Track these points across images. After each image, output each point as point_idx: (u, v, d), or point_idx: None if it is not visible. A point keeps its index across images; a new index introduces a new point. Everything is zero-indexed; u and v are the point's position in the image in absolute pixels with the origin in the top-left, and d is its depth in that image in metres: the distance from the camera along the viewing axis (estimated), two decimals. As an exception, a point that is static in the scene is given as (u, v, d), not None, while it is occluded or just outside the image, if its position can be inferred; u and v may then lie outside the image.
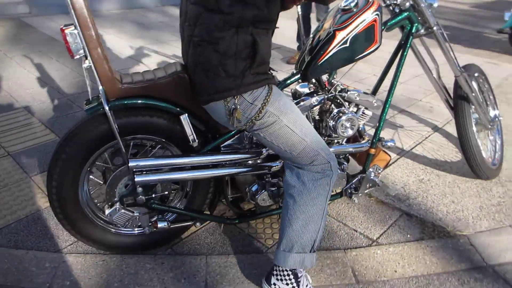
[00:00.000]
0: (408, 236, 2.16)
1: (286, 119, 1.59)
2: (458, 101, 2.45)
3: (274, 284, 1.71)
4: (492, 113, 2.65)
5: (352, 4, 1.85)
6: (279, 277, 1.70)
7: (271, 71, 1.70)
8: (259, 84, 1.54)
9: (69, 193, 1.71)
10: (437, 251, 2.04)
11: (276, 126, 1.58)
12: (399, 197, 2.45)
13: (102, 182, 1.93)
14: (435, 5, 2.11)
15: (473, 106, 2.47)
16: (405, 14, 2.01)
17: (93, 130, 1.63)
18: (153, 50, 5.01)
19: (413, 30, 2.05)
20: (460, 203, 2.42)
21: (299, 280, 1.70)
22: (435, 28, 2.10)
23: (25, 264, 1.85)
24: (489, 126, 2.60)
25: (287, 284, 1.69)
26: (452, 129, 2.71)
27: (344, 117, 1.90)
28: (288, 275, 1.69)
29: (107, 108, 1.55)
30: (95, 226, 1.84)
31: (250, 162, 1.85)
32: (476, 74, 2.58)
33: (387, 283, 1.85)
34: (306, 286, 1.72)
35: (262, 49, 1.51)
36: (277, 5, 1.52)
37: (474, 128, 2.46)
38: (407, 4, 2.00)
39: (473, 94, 2.42)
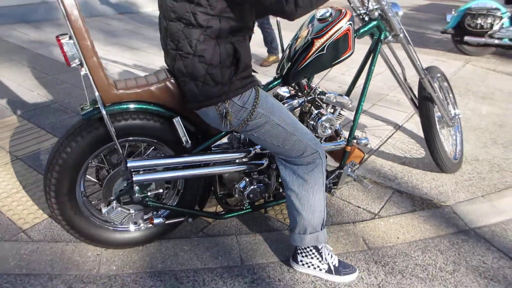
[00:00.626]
0: (403, 208, 2.53)
1: (276, 118, 1.75)
2: (422, 101, 2.66)
3: (301, 261, 1.97)
4: (452, 111, 2.88)
5: (327, 14, 2.03)
6: (304, 254, 1.97)
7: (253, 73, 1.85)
8: (246, 88, 1.70)
9: (67, 195, 1.82)
10: (428, 220, 2.43)
11: (268, 126, 1.75)
12: (388, 177, 2.82)
13: (96, 181, 2.03)
14: (400, 13, 2.31)
15: (436, 106, 2.67)
16: (374, 23, 2.20)
17: (91, 134, 1.74)
18: (130, 57, 5.10)
19: (382, 37, 2.23)
20: (439, 180, 2.82)
21: (320, 251, 1.96)
22: (401, 35, 2.29)
23: (68, 254, 2.02)
24: (451, 124, 2.82)
25: (312, 257, 1.96)
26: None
27: (323, 118, 2.06)
28: (311, 250, 1.95)
29: (104, 112, 1.67)
30: (93, 225, 1.94)
31: (238, 160, 1.99)
32: (438, 75, 2.79)
33: (393, 247, 2.22)
34: (328, 254, 1.98)
35: (243, 55, 1.66)
36: (252, 14, 1.68)
37: (438, 126, 2.68)
38: (376, 13, 2.19)
39: (436, 95, 2.63)
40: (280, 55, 4.84)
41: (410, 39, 2.42)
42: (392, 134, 3.42)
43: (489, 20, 5.36)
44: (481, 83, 4.74)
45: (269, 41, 4.96)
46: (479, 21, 5.40)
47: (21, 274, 1.90)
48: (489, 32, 5.36)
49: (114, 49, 5.38)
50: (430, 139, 2.68)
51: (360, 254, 2.14)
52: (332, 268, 1.96)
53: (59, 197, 1.80)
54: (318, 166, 1.85)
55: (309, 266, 1.96)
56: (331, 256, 1.98)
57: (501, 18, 5.34)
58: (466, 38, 5.48)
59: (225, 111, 1.68)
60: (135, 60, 5.01)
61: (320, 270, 1.96)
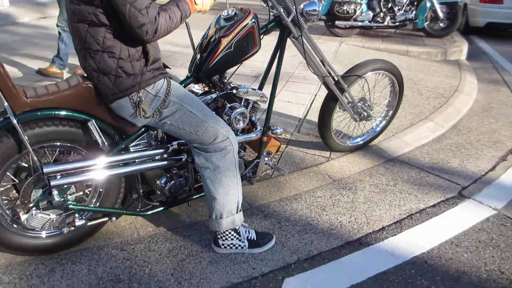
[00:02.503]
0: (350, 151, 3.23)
1: (188, 105, 1.90)
2: (327, 95, 2.88)
3: (223, 244, 2.11)
4: (363, 111, 3.00)
5: (232, 14, 2.18)
6: (224, 238, 2.11)
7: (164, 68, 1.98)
8: (157, 78, 1.84)
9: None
10: (365, 156, 3.21)
11: (181, 112, 1.89)
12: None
13: (12, 190, 2.02)
14: (318, 8, 2.41)
15: (338, 102, 2.85)
16: (273, 23, 2.37)
17: (3, 144, 1.76)
18: (33, 67, 4.80)
19: (286, 34, 2.40)
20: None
21: (238, 231, 2.11)
22: (299, 38, 2.42)
23: (104, 228, 2.24)
24: (357, 120, 3.02)
25: (232, 239, 2.11)
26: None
27: (236, 111, 2.20)
28: (229, 232, 2.09)
29: (15, 121, 1.68)
30: (13, 233, 1.95)
31: (157, 157, 2.09)
32: (367, 73, 2.88)
33: (350, 177, 2.94)
34: (245, 231, 2.15)
35: (151, 49, 1.80)
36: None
37: (334, 116, 2.93)
38: (275, 15, 2.35)
39: (338, 93, 2.78)
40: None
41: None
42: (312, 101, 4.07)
43: (352, 7, 6.42)
44: (357, 57, 5.57)
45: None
46: (345, 7, 6.43)
47: (70, 251, 2.11)
48: (353, 16, 6.43)
49: (20, 60, 4.98)
50: (320, 123, 2.96)
51: (330, 185, 2.81)
52: (252, 242, 2.13)
53: None
54: (230, 152, 1.99)
55: (231, 247, 2.11)
56: (249, 232, 2.15)
57: (360, 4, 6.46)
58: (337, 22, 6.49)
59: (139, 100, 1.81)
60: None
61: (242, 247, 2.12)
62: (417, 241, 2.29)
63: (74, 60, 4.41)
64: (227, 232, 2.09)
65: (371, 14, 6.46)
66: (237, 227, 2.10)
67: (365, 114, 3.00)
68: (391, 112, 3.26)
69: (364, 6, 6.46)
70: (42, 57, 4.96)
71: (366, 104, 3.00)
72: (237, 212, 2.07)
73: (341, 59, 5.55)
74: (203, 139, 1.95)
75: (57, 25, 4.08)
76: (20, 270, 1.98)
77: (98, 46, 1.71)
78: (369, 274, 2.03)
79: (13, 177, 1.97)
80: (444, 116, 3.97)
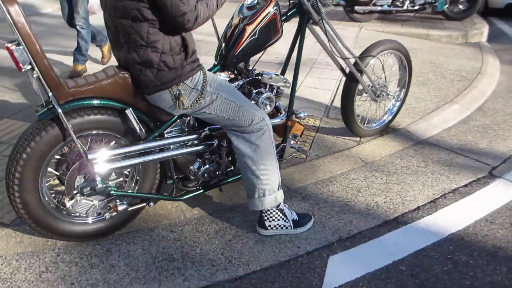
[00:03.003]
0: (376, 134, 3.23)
1: (225, 93, 1.96)
2: (347, 78, 2.87)
3: (269, 225, 2.15)
4: (380, 90, 2.98)
5: (255, 2, 2.22)
6: (271, 219, 2.15)
7: None
8: (195, 70, 1.89)
9: (31, 194, 1.88)
10: (394, 139, 3.23)
11: (218, 101, 1.94)
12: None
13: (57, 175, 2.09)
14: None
15: (358, 83, 2.84)
16: (294, 10, 2.40)
17: (48, 133, 1.81)
18: (58, 59, 4.94)
19: (305, 21, 2.43)
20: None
21: (284, 212, 2.16)
22: (319, 22, 2.43)
23: (152, 211, 2.34)
24: (377, 100, 2.99)
25: (278, 219, 2.15)
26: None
27: (262, 96, 2.25)
28: (276, 213, 2.13)
29: (60, 110, 1.74)
30: (59, 220, 2.01)
31: (190, 143, 2.13)
32: (379, 54, 2.88)
33: (381, 160, 2.96)
34: (289, 211, 2.19)
35: (190, 42, 1.85)
36: None
37: (356, 98, 2.92)
38: (296, 2, 2.38)
39: (358, 74, 2.77)
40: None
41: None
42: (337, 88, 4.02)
43: None
44: None
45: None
46: None
47: (122, 233, 2.19)
48: (373, 1, 6.35)
49: (46, 51, 5.15)
50: (343, 110, 2.96)
51: (363, 168, 2.85)
52: (295, 222, 2.18)
53: (24, 195, 1.85)
54: (267, 131, 2.05)
55: (277, 228, 2.16)
56: (291, 213, 2.19)
57: None
58: (356, 7, 6.38)
59: (178, 93, 1.86)
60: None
61: (287, 228, 2.16)
62: (452, 219, 2.31)
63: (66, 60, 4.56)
64: (274, 212, 2.13)
65: (390, -2, 6.38)
66: (280, 205, 2.13)
67: (384, 94, 3.01)
68: (403, 90, 3.25)
69: None
70: (67, 46, 5.06)
71: (383, 85, 3.01)
72: (278, 190, 2.10)
73: (363, 44, 5.42)
74: (240, 123, 1.99)
75: (75, 24, 4.08)
76: (79, 250, 2.07)
77: (142, 41, 1.75)
78: (409, 251, 2.07)
79: (53, 170, 2.04)
80: (469, 98, 3.94)
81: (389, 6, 6.43)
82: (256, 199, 2.09)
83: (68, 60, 4.55)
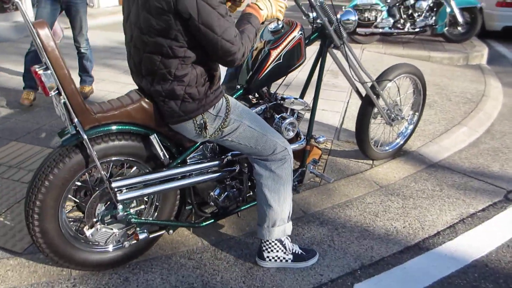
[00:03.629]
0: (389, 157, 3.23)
1: (247, 121, 1.92)
2: (363, 101, 2.87)
3: (268, 257, 2.09)
4: (394, 114, 2.97)
5: (280, 26, 2.21)
6: (269, 250, 2.08)
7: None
8: (218, 98, 1.86)
9: (51, 222, 1.83)
10: (407, 161, 3.22)
11: (241, 129, 1.90)
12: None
13: (78, 202, 2.04)
14: (353, 18, 2.48)
15: (375, 107, 2.86)
16: (316, 34, 2.41)
17: (72, 159, 1.77)
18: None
19: (327, 44, 2.44)
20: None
21: (284, 243, 2.09)
22: (340, 46, 2.44)
23: (169, 237, 2.29)
24: (392, 123, 2.99)
25: (277, 251, 2.08)
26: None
27: (286, 121, 2.22)
28: (276, 244, 2.07)
29: (85, 137, 1.71)
30: (76, 249, 1.96)
31: (213, 169, 2.10)
32: (395, 78, 2.88)
33: (395, 183, 2.95)
34: (290, 243, 2.11)
35: (215, 72, 1.82)
36: None
37: (371, 121, 2.92)
38: (318, 26, 2.39)
39: (374, 98, 2.77)
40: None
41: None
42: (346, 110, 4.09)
43: (373, 14, 6.48)
44: (381, 64, 5.60)
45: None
46: (366, 15, 6.48)
47: (139, 261, 2.14)
48: (374, 23, 6.46)
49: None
50: (358, 132, 2.95)
51: (378, 192, 2.83)
52: (297, 256, 2.12)
53: (44, 223, 1.81)
54: (288, 161, 2.02)
55: (275, 260, 2.09)
56: (293, 245, 2.14)
57: (381, 11, 6.51)
58: (358, 29, 6.49)
59: (203, 122, 1.83)
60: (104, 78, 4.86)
61: (287, 261, 2.10)
62: (474, 245, 2.29)
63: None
64: (273, 243, 2.07)
65: (391, 20, 6.51)
66: (283, 238, 2.08)
67: (398, 117, 3.00)
68: (417, 114, 3.26)
69: (384, 13, 6.52)
70: (75, 67, 5.06)
71: (398, 108, 3.01)
72: (287, 222, 2.07)
73: (367, 66, 5.41)
74: (262, 152, 1.97)
75: (78, 46, 4.05)
76: (95, 280, 2.01)
77: (169, 76, 1.72)
78: (434, 278, 2.04)
79: (72, 197, 2.00)
80: (476, 121, 3.96)
81: (390, 28, 6.55)
82: (265, 228, 2.05)
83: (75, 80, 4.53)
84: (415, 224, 2.47)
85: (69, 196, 1.95)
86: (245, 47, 1.74)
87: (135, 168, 2.04)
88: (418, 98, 3.21)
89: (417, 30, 6.56)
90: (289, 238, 2.16)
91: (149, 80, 1.79)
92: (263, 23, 1.95)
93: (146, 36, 1.68)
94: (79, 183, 1.97)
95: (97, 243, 1.98)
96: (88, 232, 1.91)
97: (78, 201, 2.01)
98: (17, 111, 3.81)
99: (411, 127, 3.28)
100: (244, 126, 1.91)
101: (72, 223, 2.08)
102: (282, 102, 2.31)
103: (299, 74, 4.86)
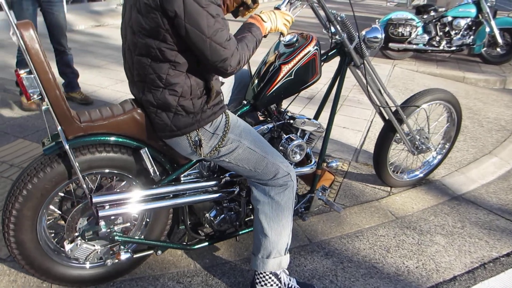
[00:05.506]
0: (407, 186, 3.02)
1: (247, 142, 1.74)
2: (384, 125, 2.65)
3: None
4: (419, 142, 2.74)
5: (294, 40, 2.02)
6: (262, 282, 1.89)
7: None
8: (217, 114, 1.68)
9: (27, 233, 1.71)
10: (428, 192, 2.97)
11: (240, 150, 1.73)
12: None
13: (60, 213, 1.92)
14: (380, 36, 2.25)
15: (397, 134, 2.63)
16: (334, 51, 2.20)
17: (54, 169, 1.65)
18: (98, 76, 4.93)
19: (346, 62, 2.23)
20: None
21: (279, 277, 1.89)
22: (361, 66, 2.24)
23: (160, 257, 2.16)
24: (415, 153, 2.75)
25: (271, 285, 1.89)
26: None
27: (293, 143, 2.03)
28: (270, 277, 1.87)
29: (67, 147, 1.58)
30: (55, 263, 1.84)
31: (209, 189, 1.94)
32: (426, 104, 2.64)
33: (413, 215, 2.71)
34: (286, 277, 1.92)
35: (214, 85, 1.65)
36: None
37: (394, 145, 2.70)
38: (338, 42, 2.18)
39: (397, 124, 2.54)
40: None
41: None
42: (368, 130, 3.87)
43: (408, 29, 6.23)
44: (412, 82, 5.49)
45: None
46: (400, 29, 6.24)
47: (125, 279, 2.01)
48: (408, 39, 6.23)
49: (78, 68, 5.13)
50: (376, 157, 2.75)
51: (393, 223, 2.60)
52: None
53: (20, 233, 1.69)
54: (290, 188, 1.83)
55: None
56: (289, 279, 1.94)
57: (416, 27, 6.27)
58: (391, 44, 6.30)
59: (198, 139, 1.66)
60: (104, 78, 4.84)
61: None
62: (494, 296, 2.04)
63: (95, 78, 4.46)
64: (267, 276, 1.88)
65: (426, 37, 6.26)
66: (278, 271, 1.89)
67: (423, 146, 2.76)
68: (448, 144, 3.01)
69: (420, 29, 6.27)
70: (98, 66, 5.03)
71: (424, 136, 2.77)
72: (284, 254, 1.88)
73: (396, 84, 5.34)
74: (262, 175, 1.79)
75: (62, 49, 3.82)
76: None
77: (160, 82, 1.57)
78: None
79: (55, 209, 1.87)
80: (509, 151, 3.67)
81: (424, 45, 6.30)
82: (260, 259, 1.86)
83: (98, 77, 4.50)
84: (429, 264, 2.24)
85: (52, 207, 1.83)
86: (241, 55, 1.56)
87: (124, 182, 1.90)
88: (451, 128, 2.95)
89: (453, 48, 6.27)
90: (286, 271, 1.96)
91: (140, 88, 1.65)
92: (265, 36, 1.77)
93: (137, 36, 1.54)
94: (62, 194, 1.83)
95: (76, 259, 1.84)
96: (68, 247, 1.78)
97: (60, 213, 1.88)
98: (28, 108, 3.75)
99: (439, 157, 3.03)
100: (243, 147, 1.74)
101: (53, 235, 1.95)
102: (291, 121, 2.12)
103: (323, 88, 4.66)
